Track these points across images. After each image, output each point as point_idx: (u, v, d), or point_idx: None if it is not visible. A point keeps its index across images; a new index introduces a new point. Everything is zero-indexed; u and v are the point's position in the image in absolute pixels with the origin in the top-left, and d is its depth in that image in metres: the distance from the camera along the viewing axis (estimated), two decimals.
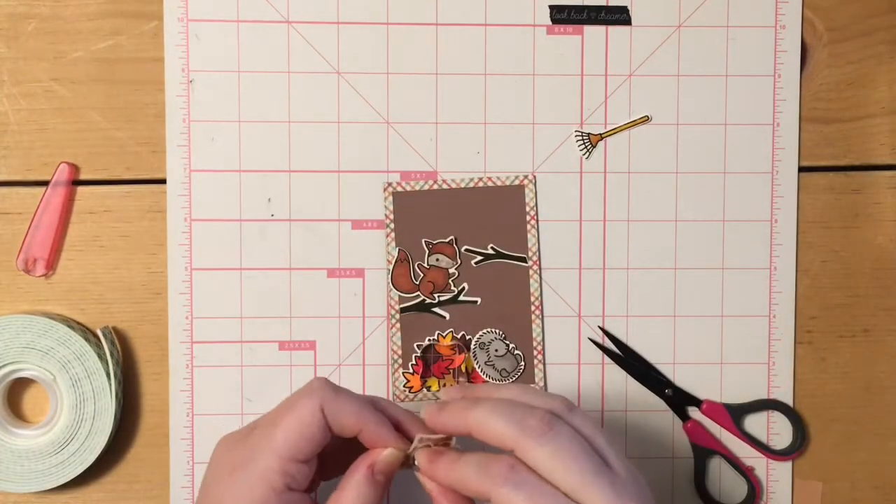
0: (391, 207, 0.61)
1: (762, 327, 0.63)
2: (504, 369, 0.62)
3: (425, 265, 0.62)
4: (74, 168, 0.61)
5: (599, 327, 0.63)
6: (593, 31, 0.62)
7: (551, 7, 0.62)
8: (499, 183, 0.62)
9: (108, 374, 0.59)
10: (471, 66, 0.62)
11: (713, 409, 0.62)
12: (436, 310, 0.62)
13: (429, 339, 0.62)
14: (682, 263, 0.63)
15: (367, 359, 0.62)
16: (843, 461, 0.64)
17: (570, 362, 0.63)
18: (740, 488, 0.63)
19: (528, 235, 0.62)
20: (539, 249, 0.62)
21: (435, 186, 0.62)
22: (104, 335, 0.59)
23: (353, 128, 0.62)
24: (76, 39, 0.61)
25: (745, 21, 0.62)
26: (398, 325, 0.62)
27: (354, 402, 0.49)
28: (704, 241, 0.63)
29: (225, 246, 0.61)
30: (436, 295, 0.62)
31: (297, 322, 0.62)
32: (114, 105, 0.61)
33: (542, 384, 0.62)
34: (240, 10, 0.61)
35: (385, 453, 0.49)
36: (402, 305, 0.62)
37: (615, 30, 0.62)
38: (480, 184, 0.62)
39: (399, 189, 0.61)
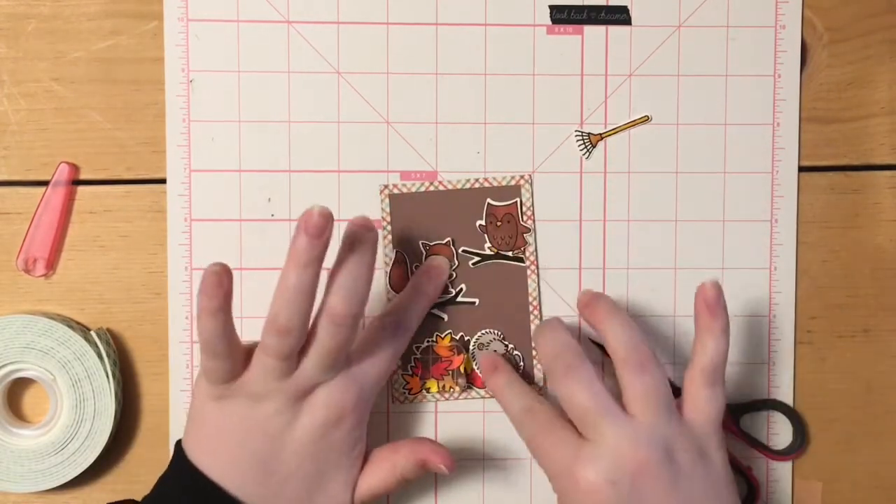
0: (388, 210, 0.61)
1: (762, 327, 0.63)
2: None
3: None
4: (74, 168, 0.61)
5: None
6: (593, 31, 0.62)
7: (551, 7, 0.62)
8: (495, 184, 0.61)
9: (106, 374, 0.59)
10: (471, 66, 0.62)
11: None
12: (434, 311, 0.62)
13: (427, 341, 0.62)
14: (681, 263, 0.62)
15: None
16: (843, 461, 0.64)
17: None
18: (740, 488, 0.63)
19: (525, 236, 0.62)
20: (536, 249, 0.62)
21: (431, 188, 0.62)
22: (98, 336, 0.59)
23: (353, 128, 0.62)
24: (76, 39, 0.61)
25: (745, 21, 0.62)
26: None
27: None
28: (704, 241, 0.62)
29: (225, 246, 0.61)
30: None
31: None
32: (114, 105, 0.61)
33: (541, 384, 0.62)
34: (240, 10, 0.61)
35: None
36: None
37: (615, 30, 0.62)
38: (477, 185, 0.62)
39: (395, 191, 0.61)
